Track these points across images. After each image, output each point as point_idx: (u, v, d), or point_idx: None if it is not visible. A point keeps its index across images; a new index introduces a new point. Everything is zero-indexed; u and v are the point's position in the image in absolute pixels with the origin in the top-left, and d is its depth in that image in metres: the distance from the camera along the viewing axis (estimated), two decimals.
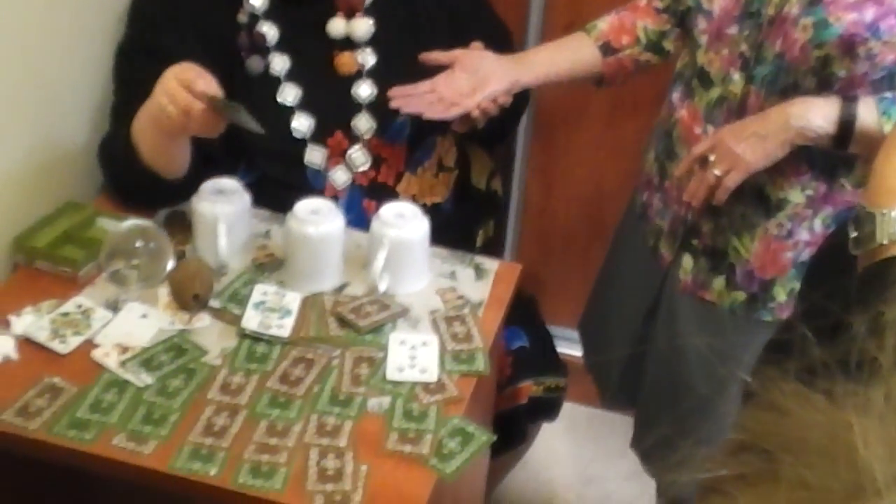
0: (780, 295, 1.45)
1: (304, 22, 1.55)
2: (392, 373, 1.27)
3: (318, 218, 1.38)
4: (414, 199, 1.59)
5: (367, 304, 1.37)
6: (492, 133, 1.65)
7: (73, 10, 1.50)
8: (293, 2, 1.55)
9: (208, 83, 1.31)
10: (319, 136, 1.56)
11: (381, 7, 1.58)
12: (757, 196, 1.40)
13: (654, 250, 1.56)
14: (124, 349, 1.29)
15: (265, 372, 1.27)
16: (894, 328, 0.44)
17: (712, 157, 1.35)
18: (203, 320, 1.35)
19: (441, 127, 1.58)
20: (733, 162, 1.33)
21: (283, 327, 1.32)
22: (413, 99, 1.51)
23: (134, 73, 1.52)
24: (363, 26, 1.56)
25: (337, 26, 1.56)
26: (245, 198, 1.46)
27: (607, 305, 1.75)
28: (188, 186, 1.46)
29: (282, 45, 1.54)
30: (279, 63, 1.54)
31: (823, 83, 1.30)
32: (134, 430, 1.17)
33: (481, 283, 1.46)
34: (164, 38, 1.49)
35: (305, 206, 1.39)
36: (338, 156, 1.57)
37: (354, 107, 1.57)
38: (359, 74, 1.58)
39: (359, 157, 1.57)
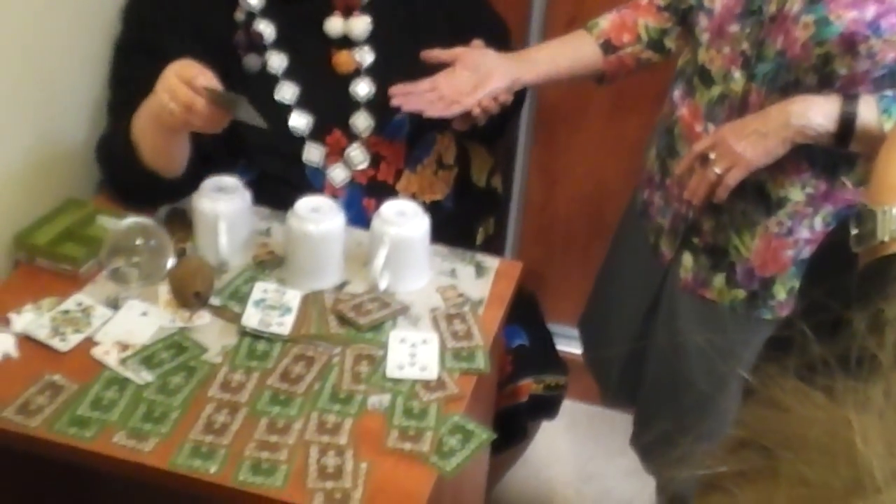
0: (781, 293, 1.45)
1: (300, 20, 1.55)
2: (392, 370, 1.27)
3: (318, 216, 1.38)
4: (413, 196, 1.59)
5: (367, 301, 1.37)
6: (491, 130, 1.64)
7: (72, 8, 1.50)
8: (290, 0, 1.55)
9: (209, 79, 1.31)
10: (318, 134, 1.56)
11: (379, 5, 1.58)
12: (757, 194, 1.40)
13: (655, 248, 1.56)
14: (124, 347, 1.29)
15: (266, 369, 1.27)
16: (894, 325, 0.44)
17: (713, 155, 1.35)
18: (203, 318, 1.35)
19: (440, 124, 1.58)
20: (734, 160, 1.33)
21: (284, 325, 1.32)
22: (414, 97, 1.51)
23: (131, 71, 1.52)
24: (360, 25, 1.56)
25: (334, 25, 1.56)
26: (245, 195, 1.45)
27: (608, 303, 1.75)
28: (186, 185, 1.46)
29: (279, 44, 1.54)
30: (276, 61, 1.54)
31: (824, 81, 1.30)
32: (134, 427, 1.17)
33: (482, 280, 1.46)
34: (161, 36, 1.49)
35: (306, 204, 1.39)
36: (336, 154, 1.57)
37: (353, 105, 1.57)
38: (357, 73, 1.57)
39: (357, 155, 1.57)
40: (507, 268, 1.49)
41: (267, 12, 1.53)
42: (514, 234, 2.28)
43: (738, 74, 1.36)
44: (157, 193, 1.50)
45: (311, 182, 1.55)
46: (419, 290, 1.42)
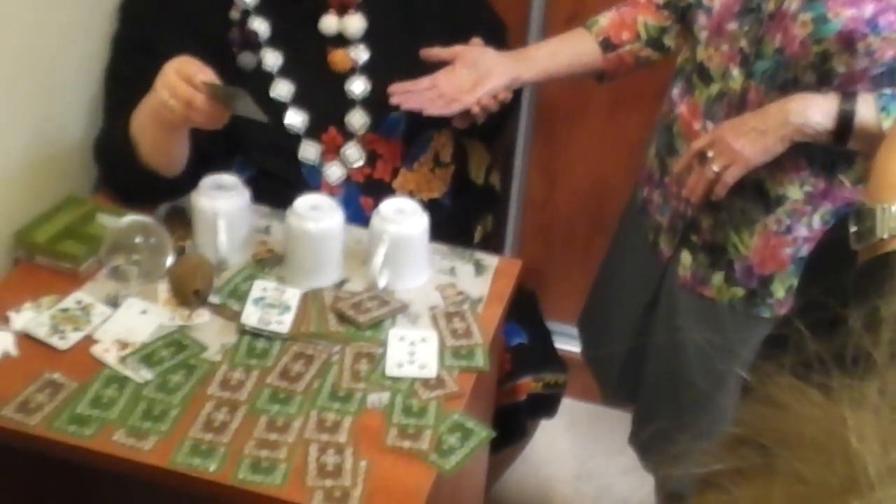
0: (779, 291, 1.45)
1: (295, 18, 1.55)
2: (391, 369, 1.27)
3: (317, 214, 1.38)
4: (411, 194, 1.59)
5: (366, 299, 1.37)
6: (490, 128, 1.64)
7: (70, 5, 1.50)
8: None
9: (208, 76, 1.31)
10: (313, 131, 1.56)
11: (374, 3, 1.58)
12: (756, 192, 1.40)
13: (654, 246, 1.56)
14: (124, 345, 1.29)
15: (265, 368, 1.27)
16: (890, 323, 0.44)
17: (711, 153, 1.35)
18: (203, 316, 1.35)
19: (437, 122, 1.58)
20: (732, 157, 1.33)
21: (283, 323, 1.33)
22: (413, 95, 1.51)
23: (127, 69, 1.52)
24: (355, 23, 1.56)
25: (329, 23, 1.56)
26: (245, 193, 1.46)
27: (607, 300, 1.75)
28: (186, 183, 1.46)
29: (274, 41, 1.54)
30: (271, 59, 1.54)
31: (823, 79, 1.30)
32: (134, 425, 1.17)
33: (481, 278, 1.46)
34: (157, 34, 1.49)
35: (305, 202, 1.39)
36: (332, 151, 1.57)
37: (348, 103, 1.57)
38: (352, 70, 1.57)
39: (353, 153, 1.57)
40: (507, 266, 1.49)
41: (262, 10, 1.53)
42: (514, 232, 2.28)
43: (736, 72, 1.36)
44: (157, 192, 1.50)
45: (308, 180, 1.55)
46: (418, 288, 1.42)
